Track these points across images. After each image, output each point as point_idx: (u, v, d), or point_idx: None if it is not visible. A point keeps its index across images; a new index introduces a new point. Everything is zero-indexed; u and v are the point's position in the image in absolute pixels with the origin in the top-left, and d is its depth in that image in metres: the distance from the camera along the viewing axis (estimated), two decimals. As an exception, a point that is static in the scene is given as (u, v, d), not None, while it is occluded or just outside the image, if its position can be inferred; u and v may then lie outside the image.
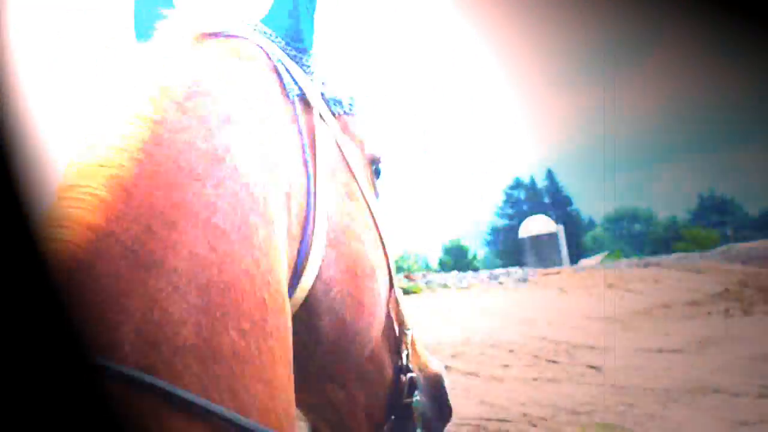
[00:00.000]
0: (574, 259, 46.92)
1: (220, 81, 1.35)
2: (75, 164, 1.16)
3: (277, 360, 1.22)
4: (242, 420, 1.08)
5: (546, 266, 28.67)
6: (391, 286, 1.70)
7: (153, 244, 1.09)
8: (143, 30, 1.58)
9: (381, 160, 1.77)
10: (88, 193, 1.09)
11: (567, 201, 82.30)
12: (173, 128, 1.23)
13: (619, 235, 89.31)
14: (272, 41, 1.54)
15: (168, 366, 1.03)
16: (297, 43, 1.59)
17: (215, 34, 1.44)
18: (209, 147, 1.24)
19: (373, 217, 1.64)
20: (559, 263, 36.58)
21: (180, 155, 1.20)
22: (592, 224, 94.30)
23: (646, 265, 19.45)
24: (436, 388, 1.80)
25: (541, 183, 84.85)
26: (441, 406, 1.80)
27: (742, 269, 18.20)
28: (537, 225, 44.78)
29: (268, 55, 1.50)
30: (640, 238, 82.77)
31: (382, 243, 1.65)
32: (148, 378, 0.99)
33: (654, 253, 38.90)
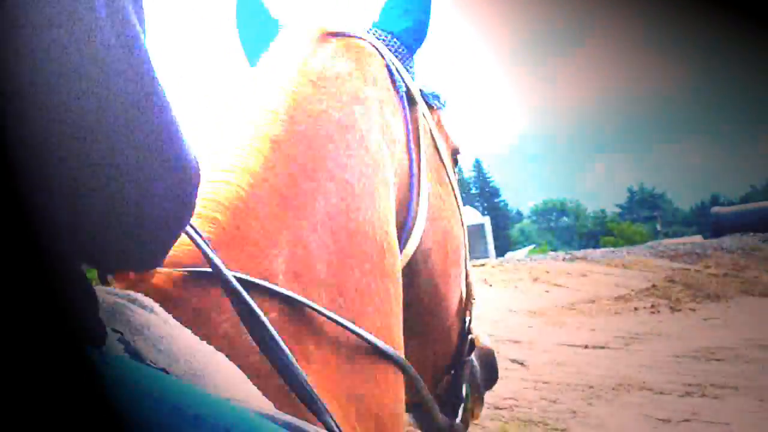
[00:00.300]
0: (501, 251, 47.63)
1: (346, 68, 1.66)
2: (226, 123, 1.46)
3: (392, 297, 1.52)
4: (373, 338, 1.36)
5: (471, 258, 28.96)
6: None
7: (296, 190, 1.37)
8: (250, 38, 1.92)
9: (460, 152, 2.10)
10: (245, 144, 1.37)
11: (494, 192, 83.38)
12: (310, 99, 1.53)
13: (546, 228, 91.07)
14: (383, 42, 1.84)
15: (307, 296, 1.28)
16: (416, 42, 1.90)
17: (338, 33, 1.74)
18: (341, 116, 1.55)
19: (456, 200, 1.97)
20: (485, 255, 37.04)
21: (316, 120, 1.50)
22: (519, 216, 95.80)
23: (573, 259, 19.84)
24: (489, 357, 2.19)
25: (468, 173, 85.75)
26: (491, 373, 2.19)
27: (670, 265, 18.71)
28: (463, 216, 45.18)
29: (381, 53, 1.78)
30: (569, 231, 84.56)
31: (462, 224, 1.98)
32: (308, 302, 1.25)
33: (582, 247, 39.74)
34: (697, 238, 29.04)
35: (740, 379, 7.95)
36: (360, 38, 1.77)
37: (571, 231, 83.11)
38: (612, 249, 24.55)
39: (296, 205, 1.36)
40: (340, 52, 1.69)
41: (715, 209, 34.84)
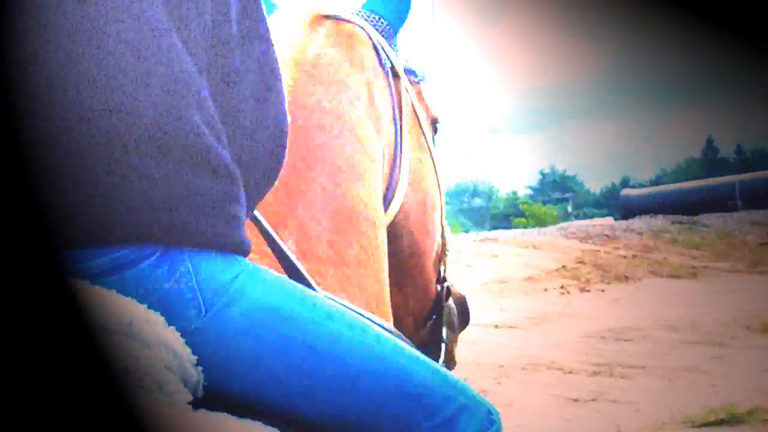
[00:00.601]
0: (411, 232, 47.75)
1: (337, 55, 1.89)
2: None
3: (383, 266, 1.80)
4: (373, 317, 1.51)
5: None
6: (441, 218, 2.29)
7: (298, 179, 1.62)
8: None
9: (439, 121, 2.35)
10: None
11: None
12: (305, 90, 1.77)
13: (459, 210, 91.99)
14: (371, 23, 2.07)
15: (317, 272, 1.51)
16: (399, 22, 2.14)
17: (329, 17, 1.96)
18: (332, 106, 1.79)
19: (434, 164, 2.20)
20: (395, 236, 37.03)
21: (311, 112, 1.75)
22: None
23: (485, 240, 20.02)
24: (462, 302, 2.42)
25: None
26: (465, 316, 2.43)
27: (580, 246, 19.05)
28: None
29: (368, 35, 2.02)
30: (481, 212, 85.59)
31: (439, 185, 2.22)
32: (313, 283, 1.42)
33: (494, 228, 40.34)
34: (608, 220, 29.73)
35: (648, 359, 8.17)
36: (349, 21, 2.00)
37: (484, 212, 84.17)
38: (523, 230, 24.92)
39: (298, 192, 1.61)
40: (331, 37, 1.93)
41: (625, 191, 35.70)
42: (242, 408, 1.15)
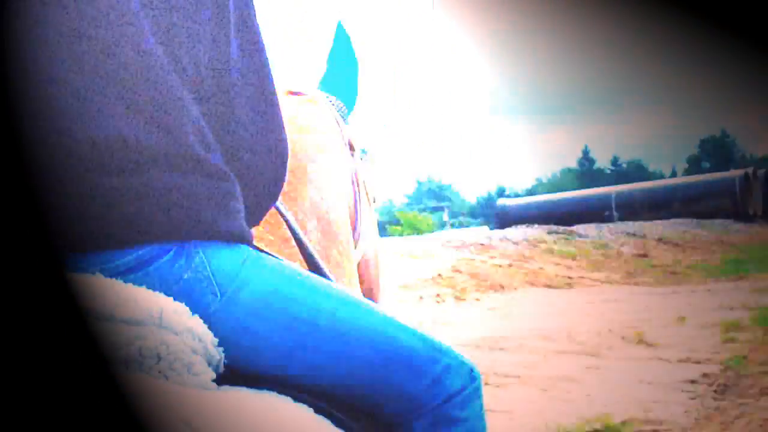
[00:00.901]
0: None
1: (310, 111, 2.21)
2: None
3: (355, 275, 2.10)
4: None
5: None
6: None
7: (291, 188, 1.89)
8: None
9: (375, 200, 2.64)
10: None
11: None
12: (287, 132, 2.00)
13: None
14: (329, 102, 2.34)
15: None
16: (350, 107, 2.43)
17: (298, 93, 2.25)
18: (314, 143, 2.10)
19: (377, 230, 2.55)
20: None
21: (295, 143, 1.91)
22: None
23: (359, 247, 20.01)
24: None
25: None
26: None
27: (456, 255, 19.28)
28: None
29: (329, 109, 2.30)
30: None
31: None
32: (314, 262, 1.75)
33: (368, 235, 40.49)
34: (483, 229, 30.31)
35: (523, 368, 8.26)
36: (314, 97, 2.28)
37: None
38: (398, 238, 25.09)
39: (292, 198, 1.93)
40: (302, 106, 2.20)
41: (501, 201, 36.45)
42: (257, 381, 1.33)
